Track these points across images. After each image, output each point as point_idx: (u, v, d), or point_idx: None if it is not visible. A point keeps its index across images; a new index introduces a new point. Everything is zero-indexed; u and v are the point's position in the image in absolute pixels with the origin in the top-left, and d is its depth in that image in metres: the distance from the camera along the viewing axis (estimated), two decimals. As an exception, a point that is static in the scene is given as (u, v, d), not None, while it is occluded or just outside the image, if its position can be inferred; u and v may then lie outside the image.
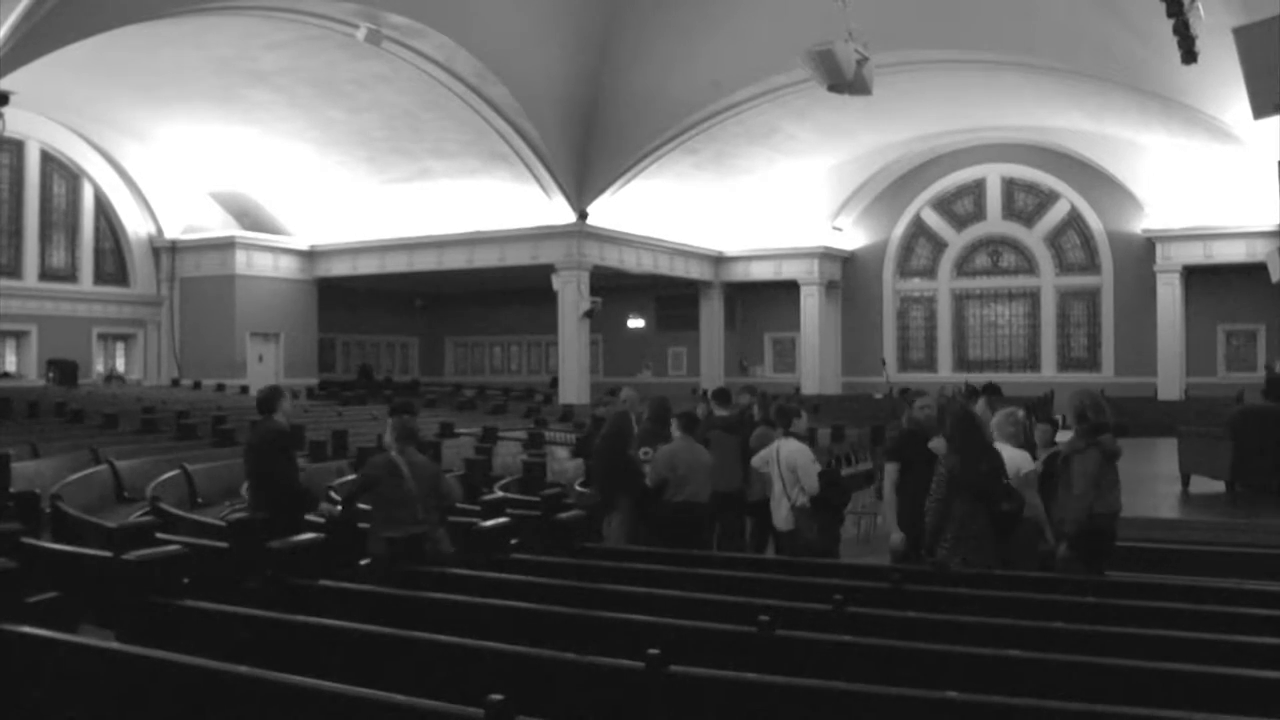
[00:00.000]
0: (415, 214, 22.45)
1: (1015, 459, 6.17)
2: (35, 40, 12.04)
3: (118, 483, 9.84)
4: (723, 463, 7.65)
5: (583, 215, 20.99)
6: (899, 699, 3.21)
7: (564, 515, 6.63)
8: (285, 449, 7.12)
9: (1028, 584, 5.62)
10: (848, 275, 26.42)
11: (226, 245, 22.85)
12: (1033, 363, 24.08)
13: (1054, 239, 24.47)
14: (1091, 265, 24.05)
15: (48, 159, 21.61)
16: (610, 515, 7.30)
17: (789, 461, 7.04)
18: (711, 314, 26.27)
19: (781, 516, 7.10)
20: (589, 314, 21.59)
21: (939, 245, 25.47)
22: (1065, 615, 4.63)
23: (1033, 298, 24.76)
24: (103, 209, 22.64)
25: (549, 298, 22.03)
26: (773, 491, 7.18)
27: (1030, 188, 24.62)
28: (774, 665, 3.59)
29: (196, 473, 9.91)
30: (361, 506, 6.39)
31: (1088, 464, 5.63)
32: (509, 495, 8.56)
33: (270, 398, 7.14)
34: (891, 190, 25.48)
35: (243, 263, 22.88)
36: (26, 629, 3.84)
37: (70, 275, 22.26)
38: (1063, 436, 6.64)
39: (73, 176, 22.12)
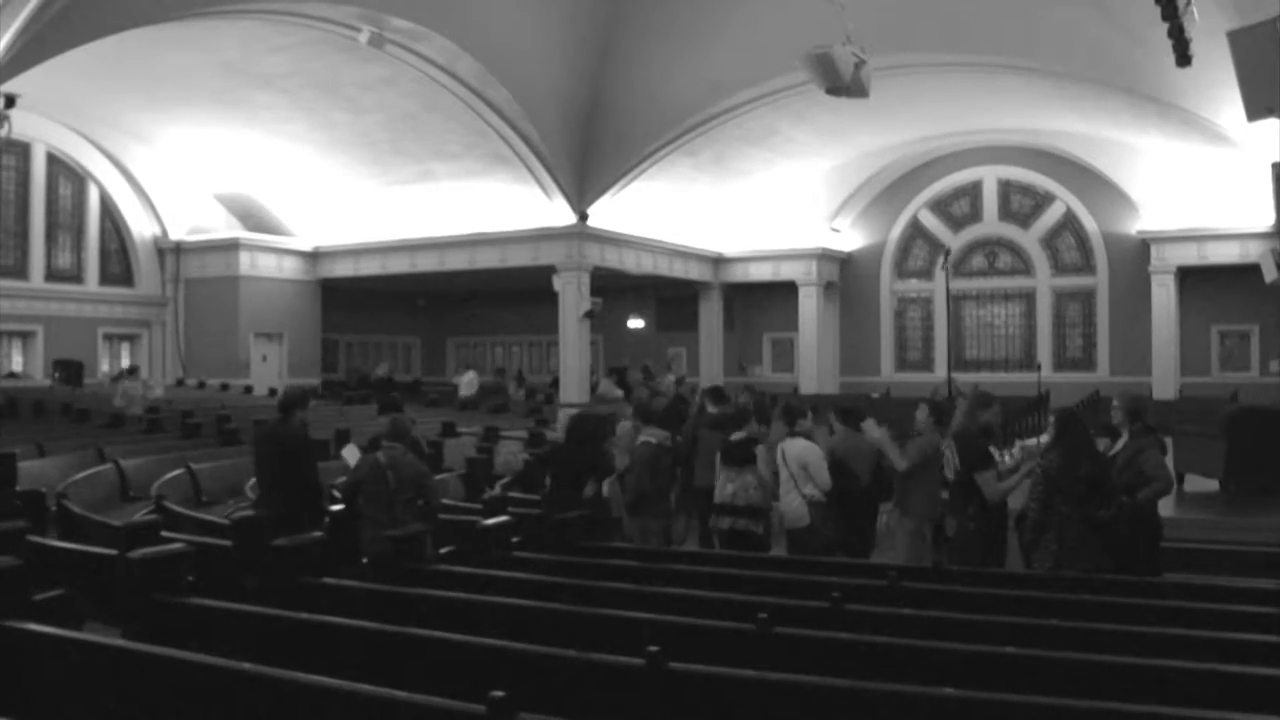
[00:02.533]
0: (417, 215, 22.50)
1: None
2: (41, 44, 12.09)
3: (123, 481, 9.89)
4: (708, 459, 7.74)
5: (583, 217, 21.04)
6: (896, 696, 3.25)
7: (565, 514, 6.69)
8: (311, 450, 7.14)
9: (1024, 582, 5.68)
10: (845, 276, 26.47)
11: (230, 246, 22.91)
12: (1028, 363, 24.13)
13: (1050, 240, 24.52)
14: (1087, 266, 24.10)
15: (54, 161, 21.67)
16: None
17: (800, 458, 7.10)
18: (711, 314, 26.31)
19: (792, 514, 7.14)
20: (590, 314, 21.62)
21: (936, 246, 25.51)
22: (1061, 612, 4.68)
23: (1028, 298, 24.81)
24: (108, 211, 22.70)
25: (550, 298, 22.07)
26: (780, 490, 7.23)
27: (1026, 190, 24.67)
28: (772, 662, 3.64)
29: (201, 471, 9.96)
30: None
31: (1157, 459, 5.87)
32: (510, 494, 8.62)
33: (298, 399, 7.16)
34: (889, 192, 25.54)
35: (247, 264, 22.94)
36: (33, 626, 3.89)
37: (76, 276, 22.32)
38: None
39: (78, 178, 22.18)
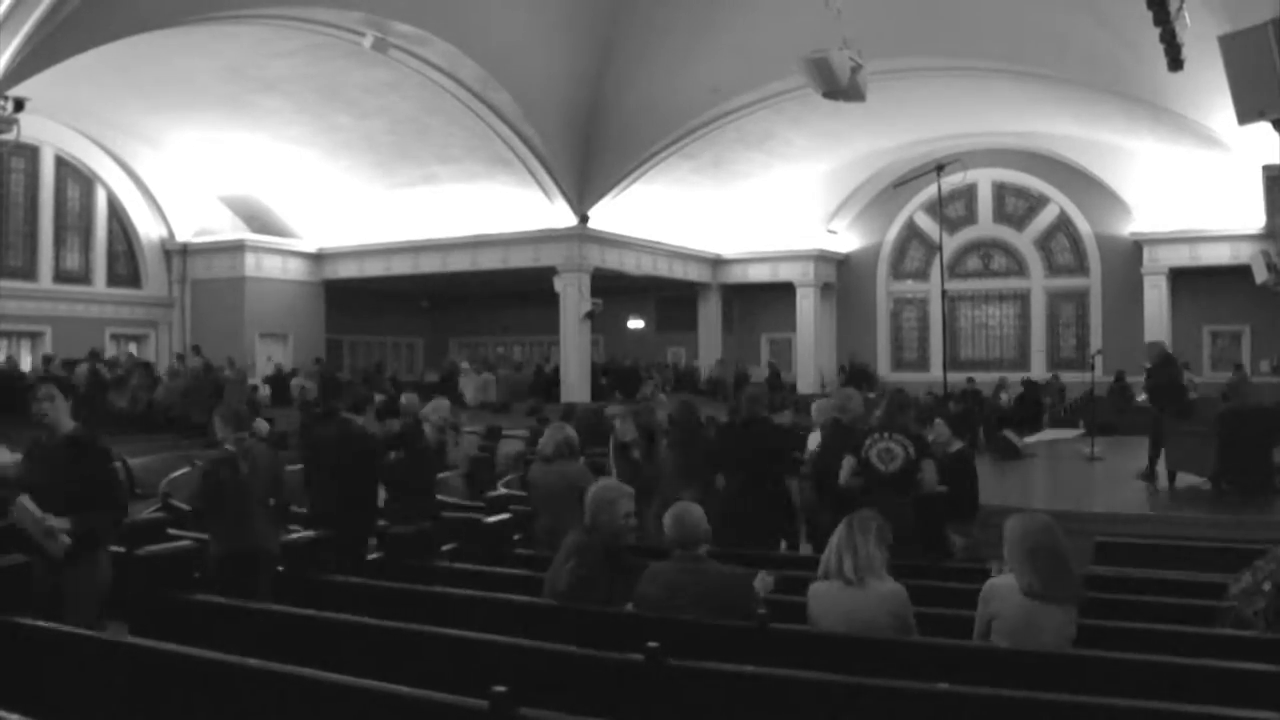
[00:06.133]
0: (420, 218, 22.58)
1: None
2: (50, 48, 12.21)
3: (130, 479, 9.95)
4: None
5: (584, 219, 21.13)
6: (892, 691, 3.30)
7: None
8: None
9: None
10: (842, 277, 26.56)
11: (236, 248, 22.99)
12: (1023, 363, 24.28)
13: (1044, 242, 24.61)
14: (1080, 267, 24.19)
15: (62, 164, 21.72)
16: None
17: None
18: (710, 315, 26.42)
19: None
20: (590, 315, 21.72)
21: (931, 248, 25.60)
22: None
23: (1023, 299, 24.92)
24: (115, 213, 22.76)
25: (551, 299, 22.17)
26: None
27: (1020, 192, 24.76)
28: (771, 658, 3.69)
29: (206, 472, 10.02)
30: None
31: None
32: (512, 492, 8.72)
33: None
34: (885, 194, 25.60)
35: (252, 265, 23.02)
36: (42, 623, 3.99)
37: (84, 277, 22.37)
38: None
39: (86, 181, 22.24)
